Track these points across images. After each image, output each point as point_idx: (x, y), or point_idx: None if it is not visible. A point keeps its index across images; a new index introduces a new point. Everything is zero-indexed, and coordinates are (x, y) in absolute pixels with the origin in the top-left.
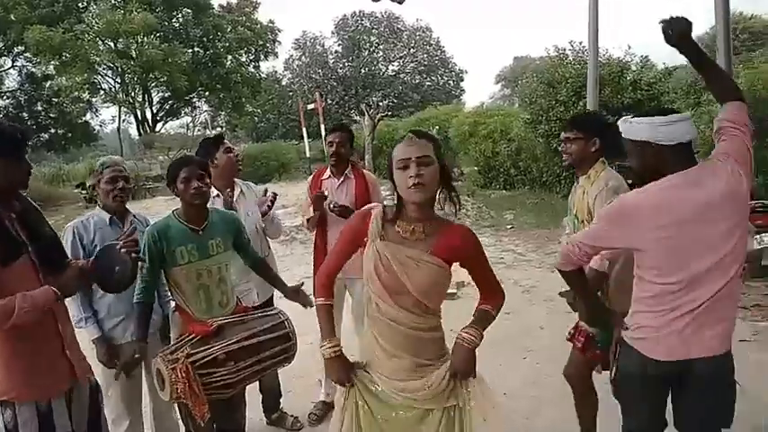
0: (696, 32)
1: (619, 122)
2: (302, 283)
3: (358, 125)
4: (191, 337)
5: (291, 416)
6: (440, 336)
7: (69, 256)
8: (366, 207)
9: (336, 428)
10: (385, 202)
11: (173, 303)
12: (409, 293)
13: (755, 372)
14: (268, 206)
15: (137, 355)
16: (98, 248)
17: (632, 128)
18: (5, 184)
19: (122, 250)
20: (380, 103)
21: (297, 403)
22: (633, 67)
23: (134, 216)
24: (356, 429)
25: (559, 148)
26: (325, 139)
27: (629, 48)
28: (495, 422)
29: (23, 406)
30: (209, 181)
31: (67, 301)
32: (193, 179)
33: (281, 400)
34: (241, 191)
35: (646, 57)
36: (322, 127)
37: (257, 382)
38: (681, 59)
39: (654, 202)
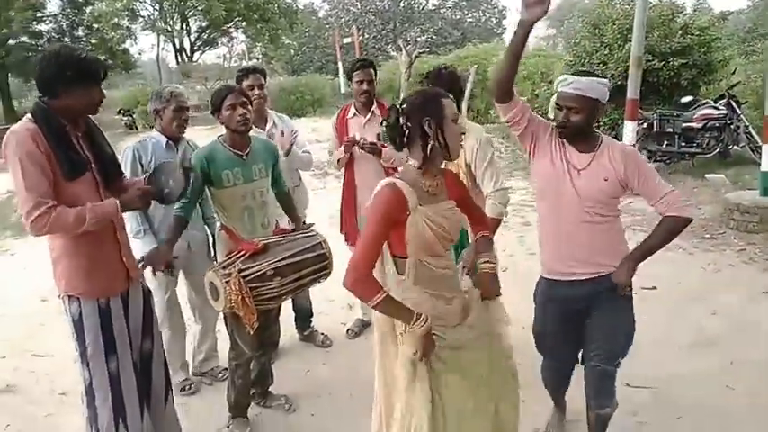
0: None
1: (567, 79)
2: (313, 224)
3: (394, 61)
4: (240, 254)
5: (321, 333)
6: None
7: (129, 172)
8: (384, 183)
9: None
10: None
11: (218, 224)
12: (451, 239)
13: None
14: (290, 144)
15: (172, 257)
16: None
17: (591, 85)
18: (80, 109)
19: (186, 165)
20: (419, 39)
21: (326, 323)
22: (688, 10)
23: (187, 142)
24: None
25: None
26: (350, 77)
27: None
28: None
29: (87, 302)
30: (251, 108)
31: (127, 215)
32: (238, 106)
33: (311, 319)
34: (274, 123)
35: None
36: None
37: (291, 303)
38: (739, 4)
39: None
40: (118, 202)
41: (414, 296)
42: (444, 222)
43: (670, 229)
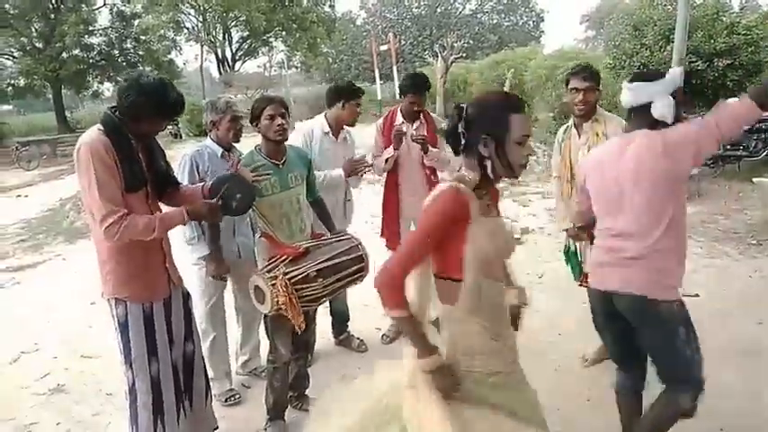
0: None
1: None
2: (344, 230)
3: (430, 67)
4: (282, 257)
5: (357, 338)
6: None
7: (187, 179)
8: (445, 186)
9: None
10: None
11: (257, 232)
12: (503, 262)
13: None
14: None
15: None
16: (209, 176)
17: (627, 97)
18: (151, 133)
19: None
20: (455, 44)
21: (362, 328)
22: (735, 9)
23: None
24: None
25: (572, 99)
26: (403, 93)
27: None
28: None
29: (133, 305)
30: (289, 119)
31: None
32: (277, 117)
33: (348, 324)
34: (345, 136)
35: None
36: (394, 69)
37: (328, 307)
38: None
39: None
40: (185, 211)
41: (465, 329)
42: (502, 239)
43: None
